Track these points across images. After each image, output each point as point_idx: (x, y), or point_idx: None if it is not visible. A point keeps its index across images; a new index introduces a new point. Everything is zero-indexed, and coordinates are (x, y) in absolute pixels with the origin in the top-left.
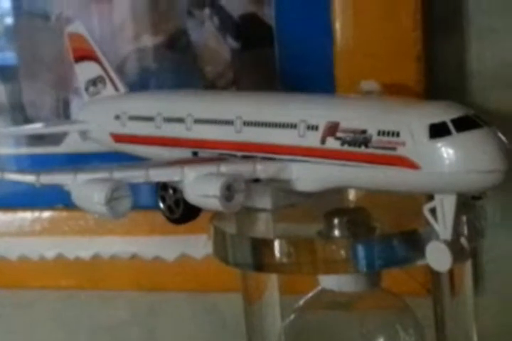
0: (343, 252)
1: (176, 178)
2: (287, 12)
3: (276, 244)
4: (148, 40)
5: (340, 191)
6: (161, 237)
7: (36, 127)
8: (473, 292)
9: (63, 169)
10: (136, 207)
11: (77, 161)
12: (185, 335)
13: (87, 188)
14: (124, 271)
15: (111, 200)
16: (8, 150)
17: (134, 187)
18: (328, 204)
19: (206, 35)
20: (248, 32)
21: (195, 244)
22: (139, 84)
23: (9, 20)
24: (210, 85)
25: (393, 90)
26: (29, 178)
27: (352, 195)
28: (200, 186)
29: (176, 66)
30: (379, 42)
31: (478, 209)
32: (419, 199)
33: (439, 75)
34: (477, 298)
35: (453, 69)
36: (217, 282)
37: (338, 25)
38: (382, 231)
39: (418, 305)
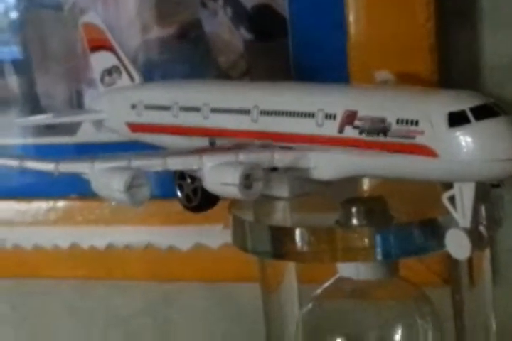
0: (363, 240)
1: (194, 167)
2: (301, 3)
3: (297, 232)
4: (162, 31)
5: (357, 180)
6: (175, 227)
7: (51, 117)
8: (492, 282)
9: (82, 158)
10: (151, 196)
11: (88, 151)
12: (200, 325)
13: (107, 176)
14: (139, 261)
15: (130, 188)
16: (22, 140)
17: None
18: (346, 192)
19: (219, 25)
20: (262, 23)
21: (210, 234)
22: (153, 75)
23: (21, 12)
24: (224, 76)
25: (407, 80)
26: (48, 166)
27: (369, 183)
28: (220, 174)
29: (189, 57)
30: (392, 33)
31: (497, 198)
32: (437, 187)
33: (452, 67)
34: (495, 288)
35: (466, 62)
36: (232, 272)
37: (351, 16)
38: (400, 220)
39: (435, 295)
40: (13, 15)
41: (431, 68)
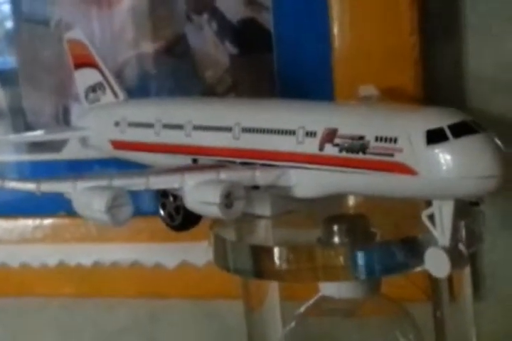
0: (342, 259)
1: (176, 185)
2: (286, 17)
3: (276, 250)
4: (148, 46)
5: (339, 197)
6: (161, 244)
7: (37, 134)
8: (473, 297)
9: (63, 177)
10: (137, 213)
11: (77, 168)
12: None
13: (88, 196)
14: (125, 278)
15: (111, 208)
16: (9, 157)
17: (134, 194)
18: (328, 210)
19: (205, 40)
20: (247, 37)
21: (196, 251)
22: (138, 90)
23: (10, 26)
24: (209, 90)
25: (391, 95)
26: (30, 186)
27: (351, 201)
28: (200, 193)
29: (174, 71)
30: (377, 46)
31: (476, 214)
32: (418, 204)
33: (437, 79)
34: (476, 303)
35: (451, 73)
36: (218, 289)
37: (336, 30)
38: (381, 238)
39: (418, 311)
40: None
41: (415, 82)
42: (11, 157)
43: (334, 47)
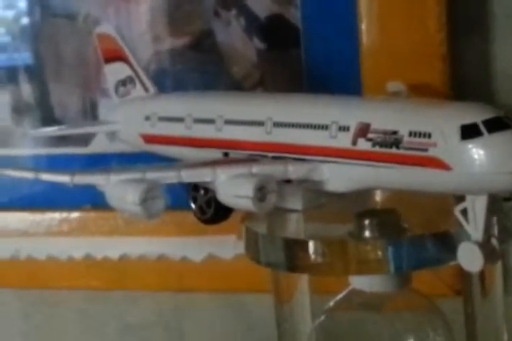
0: (375, 253)
1: (208, 179)
2: (313, 13)
3: (310, 244)
4: (174, 41)
5: (370, 192)
6: (188, 238)
7: (65, 128)
8: (504, 292)
9: (97, 169)
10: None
11: (99, 163)
12: (213, 336)
13: (121, 188)
14: (152, 272)
15: (145, 200)
16: (36, 150)
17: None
18: (359, 205)
19: (232, 36)
20: (274, 33)
21: (223, 245)
22: (166, 86)
23: (35, 20)
24: (237, 86)
25: (419, 91)
26: (63, 178)
27: (382, 195)
28: (233, 187)
29: (202, 67)
30: (404, 43)
31: (509, 209)
32: (449, 200)
33: (464, 76)
34: (507, 299)
35: (478, 70)
36: (245, 283)
37: (363, 27)
38: (412, 233)
39: (447, 306)
40: (26, 22)
41: (443, 77)
42: (38, 150)
43: (362, 43)
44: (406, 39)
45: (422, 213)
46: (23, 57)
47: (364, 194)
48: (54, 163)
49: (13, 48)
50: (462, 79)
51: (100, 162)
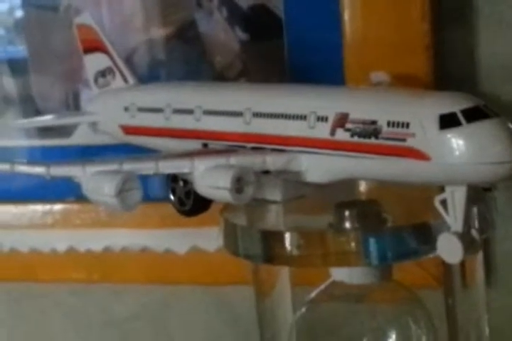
0: (354, 244)
1: (186, 170)
2: (296, 3)
3: (287, 236)
4: (157, 31)
5: (350, 182)
6: (172, 230)
7: (46, 119)
8: (485, 284)
9: (73, 161)
10: (147, 199)
11: (86, 153)
12: (197, 328)
13: (97, 180)
14: (135, 264)
15: (121, 192)
16: (18, 142)
17: (144, 180)
18: (339, 195)
19: (215, 26)
20: (257, 23)
21: (207, 237)
22: (148, 76)
23: (18, 13)
24: (219, 76)
25: (402, 81)
26: (39, 170)
27: (362, 186)
28: (211, 178)
29: (184, 57)
30: (388, 32)
31: (489, 200)
32: (430, 190)
33: (448, 66)
34: (488, 290)
35: (462, 60)
36: (228, 275)
37: (346, 16)
38: (393, 224)
39: (429, 297)
40: (8, 15)
41: (427, 68)
42: (21, 142)
43: (345, 33)
44: (390, 29)
45: (405, 204)
46: (5, 49)
47: (345, 185)
48: (46, 155)
49: None
50: (446, 69)
51: (95, 153)
